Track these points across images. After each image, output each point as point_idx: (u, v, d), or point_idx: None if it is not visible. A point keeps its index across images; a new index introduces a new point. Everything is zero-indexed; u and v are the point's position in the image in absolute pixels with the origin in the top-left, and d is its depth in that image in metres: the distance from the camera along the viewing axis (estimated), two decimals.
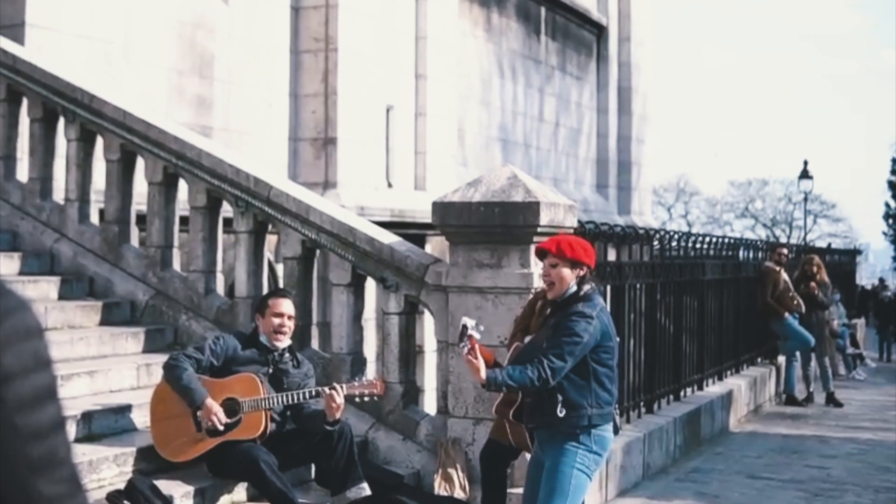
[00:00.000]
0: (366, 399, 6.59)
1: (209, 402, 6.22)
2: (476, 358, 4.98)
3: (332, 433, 6.39)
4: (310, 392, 6.40)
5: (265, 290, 8.07)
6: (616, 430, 5.33)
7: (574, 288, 5.13)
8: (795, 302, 13.83)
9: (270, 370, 6.53)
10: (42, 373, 1.49)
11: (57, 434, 1.50)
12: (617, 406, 5.49)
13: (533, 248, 6.69)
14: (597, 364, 5.08)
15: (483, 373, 4.96)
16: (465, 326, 5.00)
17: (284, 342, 6.64)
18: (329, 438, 6.39)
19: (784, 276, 13.93)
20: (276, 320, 6.59)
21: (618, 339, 5.32)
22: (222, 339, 6.63)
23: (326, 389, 6.32)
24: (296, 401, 6.38)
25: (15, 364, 1.45)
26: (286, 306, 6.67)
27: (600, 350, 5.08)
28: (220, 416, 6.21)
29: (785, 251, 14.43)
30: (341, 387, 6.37)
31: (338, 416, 6.33)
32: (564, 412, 5.05)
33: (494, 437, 6.44)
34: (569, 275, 5.14)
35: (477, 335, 4.99)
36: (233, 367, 6.45)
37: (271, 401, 6.32)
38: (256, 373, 6.43)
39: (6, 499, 1.46)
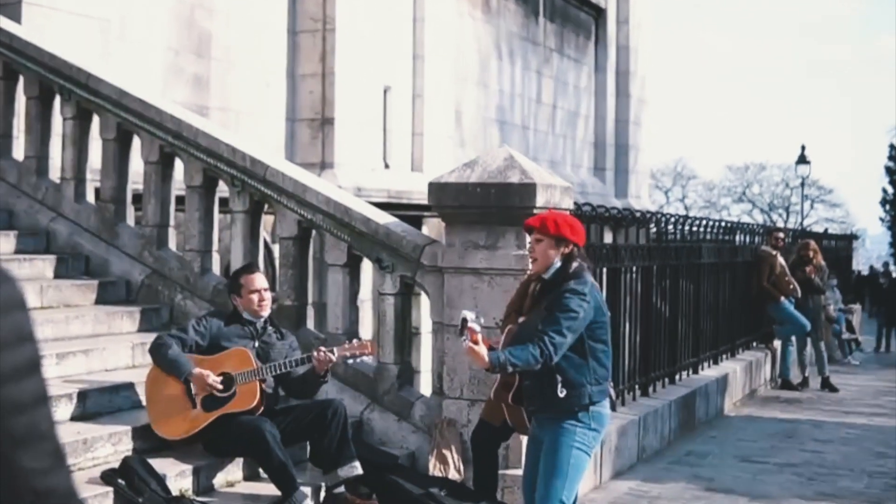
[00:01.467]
0: (357, 360, 6.64)
1: (197, 370, 6.28)
2: (478, 345, 4.98)
3: (326, 411, 6.43)
4: (302, 358, 6.45)
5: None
6: (613, 407, 5.32)
7: (559, 264, 5.10)
8: (791, 286, 13.82)
9: (256, 344, 6.58)
10: (24, 346, 1.47)
11: (39, 408, 1.48)
12: (612, 384, 5.48)
13: None
14: (593, 341, 5.07)
15: (486, 357, 4.95)
16: (465, 320, 4.99)
17: (265, 313, 6.70)
18: (322, 417, 6.43)
19: (780, 260, 13.91)
20: (255, 297, 6.66)
21: (609, 314, 5.31)
22: (205, 318, 6.72)
23: (318, 352, 6.37)
24: (288, 369, 6.44)
25: None
26: (260, 280, 6.74)
27: (595, 326, 5.07)
28: (213, 381, 6.27)
29: (781, 235, 14.40)
30: (332, 350, 6.42)
31: (326, 367, 6.43)
32: (565, 392, 5.03)
33: (485, 418, 6.44)
34: (552, 251, 5.11)
35: (477, 327, 4.97)
36: (221, 344, 6.51)
37: (264, 371, 6.37)
38: (247, 346, 6.48)
39: None
